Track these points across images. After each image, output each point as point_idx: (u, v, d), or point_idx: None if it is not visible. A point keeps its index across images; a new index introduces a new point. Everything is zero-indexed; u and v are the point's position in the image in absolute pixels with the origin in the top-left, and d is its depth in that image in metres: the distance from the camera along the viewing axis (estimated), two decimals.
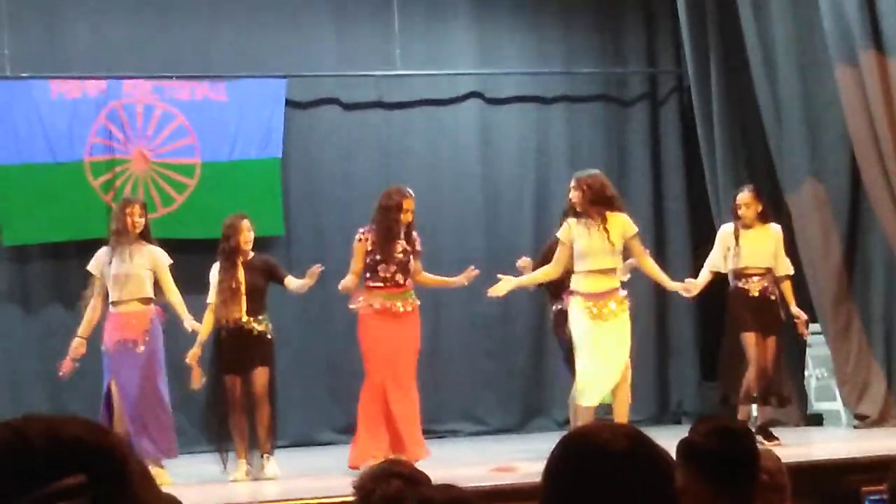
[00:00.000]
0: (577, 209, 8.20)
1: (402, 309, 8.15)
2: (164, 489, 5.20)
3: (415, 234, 8.33)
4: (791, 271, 9.10)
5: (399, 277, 8.16)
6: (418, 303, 8.32)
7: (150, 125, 10.80)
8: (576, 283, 8.15)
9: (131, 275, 8.05)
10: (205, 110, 10.89)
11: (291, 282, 8.43)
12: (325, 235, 10.94)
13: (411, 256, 8.24)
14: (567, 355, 8.63)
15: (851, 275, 10.12)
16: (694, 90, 11.10)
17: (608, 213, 8.14)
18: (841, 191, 10.07)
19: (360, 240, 8.21)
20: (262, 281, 8.36)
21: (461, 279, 8.44)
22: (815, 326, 10.51)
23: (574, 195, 8.26)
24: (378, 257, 8.13)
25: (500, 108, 11.73)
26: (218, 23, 11.12)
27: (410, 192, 8.35)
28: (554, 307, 8.78)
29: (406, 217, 8.20)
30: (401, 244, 8.21)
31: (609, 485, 1.87)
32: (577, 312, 8.07)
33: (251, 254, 8.41)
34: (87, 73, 10.69)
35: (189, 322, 8.20)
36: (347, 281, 8.17)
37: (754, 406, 9.17)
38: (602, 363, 8.06)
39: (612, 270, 8.13)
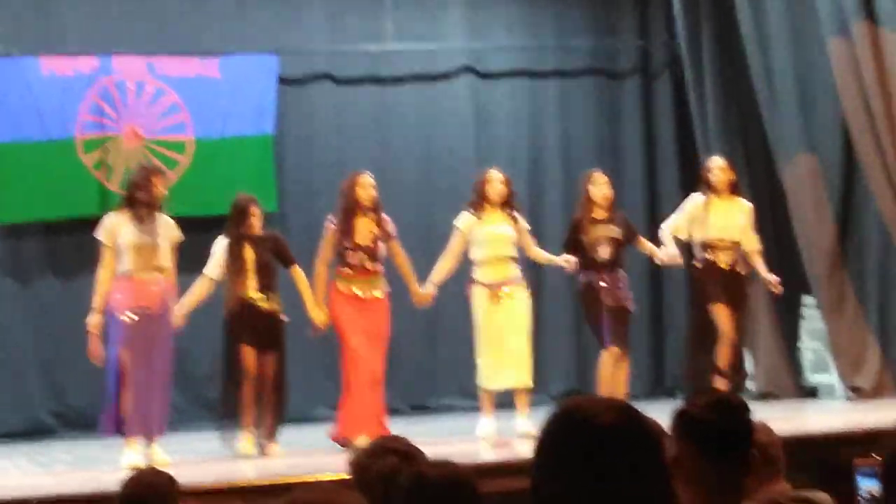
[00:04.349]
0: (495, 202, 8.58)
1: (368, 295, 8.22)
2: (160, 468, 5.21)
3: (384, 216, 8.37)
4: (759, 246, 9.07)
5: (367, 264, 8.26)
6: (388, 289, 8.37)
7: (141, 102, 10.77)
8: (478, 274, 8.56)
9: (153, 244, 7.91)
10: (197, 87, 10.87)
11: (298, 273, 8.43)
12: (319, 211, 10.88)
13: (380, 242, 8.30)
14: (591, 323, 8.84)
15: (845, 248, 10.13)
16: (687, 63, 11.09)
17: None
18: (834, 164, 10.07)
19: (329, 227, 8.31)
20: (271, 257, 8.36)
21: (417, 292, 8.58)
22: (809, 299, 10.53)
23: (503, 188, 8.61)
24: (346, 244, 8.21)
25: (492, 83, 11.72)
26: None
27: (368, 173, 8.42)
28: (581, 279, 8.82)
29: (364, 193, 8.26)
30: (370, 231, 8.27)
31: (598, 458, 1.88)
32: (478, 302, 8.53)
33: (260, 231, 8.42)
34: (79, 50, 10.66)
35: (174, 316, 8.08)
36: (317, 271, 8.38)
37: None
38: (501, 350, 8.42)
39: (512, 259, 8.60)
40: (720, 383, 8.76)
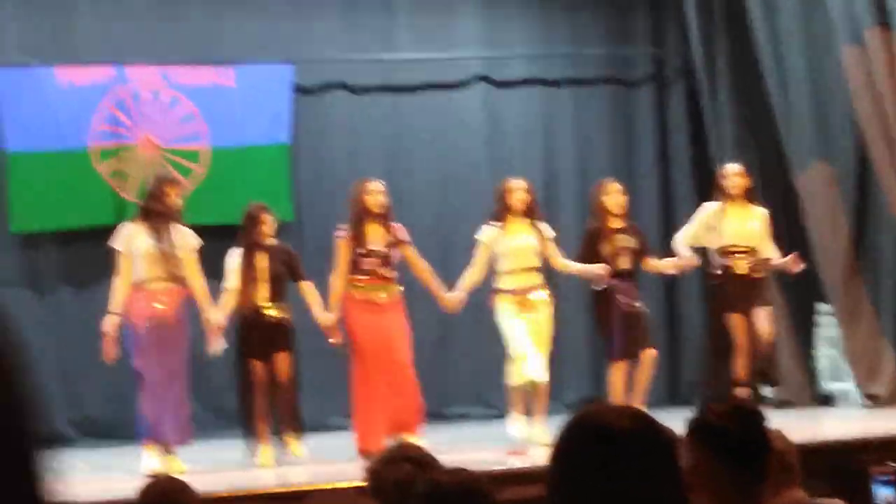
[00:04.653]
0: (518, 211, 8.58)
1: (384, 299, 8.22)
2: (178, 476, 5.22)
3: (394, 223, 8.36)
4: (776, 255, 9.04)
5: (381, 270, 8.24)
6: (400, 293, 8.37)
7: (157, 111, 10.80)
8: (501, 283, 8.55)
9: (168, 254, 7.94)
10: (212, 96, 10.89)
11: (307, 287, 8.43)
12: (335, 220, 10.89)
13: (395, 249, 8.30)
14: (602, 333, 8.89)
15: (860, 255, 10.11)
16: (700, 71, 11.08)
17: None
18: (849, 171, 10.06)
19: (341, 237, 8.31)
20: (283, 269, 8.39)
21: (444, 296, 8.54)
22: (824, 307, 10.52)
23: (526, 197, 8.59)
24: (359, 251, 8.21)
25: (506, 91, 11.72)
26: (225, 8, 11.12)
27: (377, 179, 8.47)
28: (594, 286, 8.85)
29: (373, 199, 8.27)
30: (382, 237, 8.26)
31: (613, 464, 1.88)
32: (502, 308, 8.53)
33: (273, 241, 8.45)
34: (94, 59, 10.70)
35: (213, 315, 8.08)
36: (332, 284, 8.34)
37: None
38: (522, 351, 8.42)
39: (536, 269, 8.60)
40: (739, 393, 8.74)
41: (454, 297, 8.57)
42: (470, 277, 8.62)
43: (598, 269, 8.67)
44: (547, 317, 8.58)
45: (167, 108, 10.83)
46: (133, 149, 10.73)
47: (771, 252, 8.99)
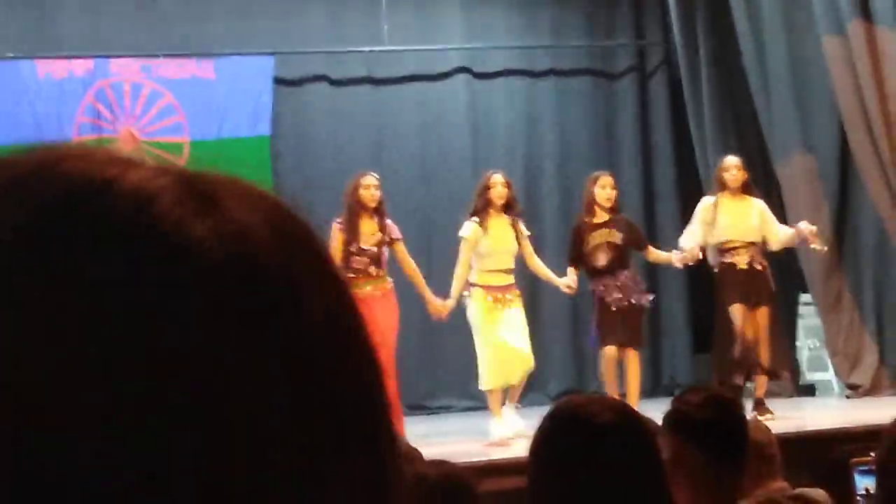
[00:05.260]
0: (498, 206, 8.52)
1: (372, 294, 8.20)
2: None
3: (389, 222, 8.36)
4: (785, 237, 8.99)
5: (372, 269, 8.24)
6: (391, 285, 8.35)
7: (137, 104, 10.78)
8: (478, 278, 8.52)
9: None
10: (193, 88, 10.87)
11: None
12: (316, 213, 10.68)
13: (386, 247, 8.30)
14: (597, 332, 8.90)
15: (842, 246, 10.13)
16: (682, 63, 11.09)
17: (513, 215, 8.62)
18: (830, 162, 10.08)
19: (338, 228, 8.31)
20: None
21: (433, 301, 8.54)
22: (806, 297, 10.55)
23: (505, 192, 8.55)
24: (351, 248, 8.20)
25: (488, 83, 11.72)
26: (206, 1, 11.09)
27: (373, 174, 8.42)
28: (590, 288, 8.86)
29: (367, 193, 8.25)
30: (374, 234, 8.26)
31: (595, 456, 1.88)
32: (477, 305, 8.48)
33: None
34: (75, 52, 10.67)
35: None
36: None
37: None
38: (500, 349, 8.38)
39: (512, 269, 8.59)
40: (738, 380, 8.76)
41: (445, 304, 8.57)
42: (458, 279, 8.60)
43: (564, 283, 8.69)
44: (520, 310, 8.57)
45: (148, 101, 10.81)
46: (114, 142, 10.70)
47: (781, 236, 8.88)
